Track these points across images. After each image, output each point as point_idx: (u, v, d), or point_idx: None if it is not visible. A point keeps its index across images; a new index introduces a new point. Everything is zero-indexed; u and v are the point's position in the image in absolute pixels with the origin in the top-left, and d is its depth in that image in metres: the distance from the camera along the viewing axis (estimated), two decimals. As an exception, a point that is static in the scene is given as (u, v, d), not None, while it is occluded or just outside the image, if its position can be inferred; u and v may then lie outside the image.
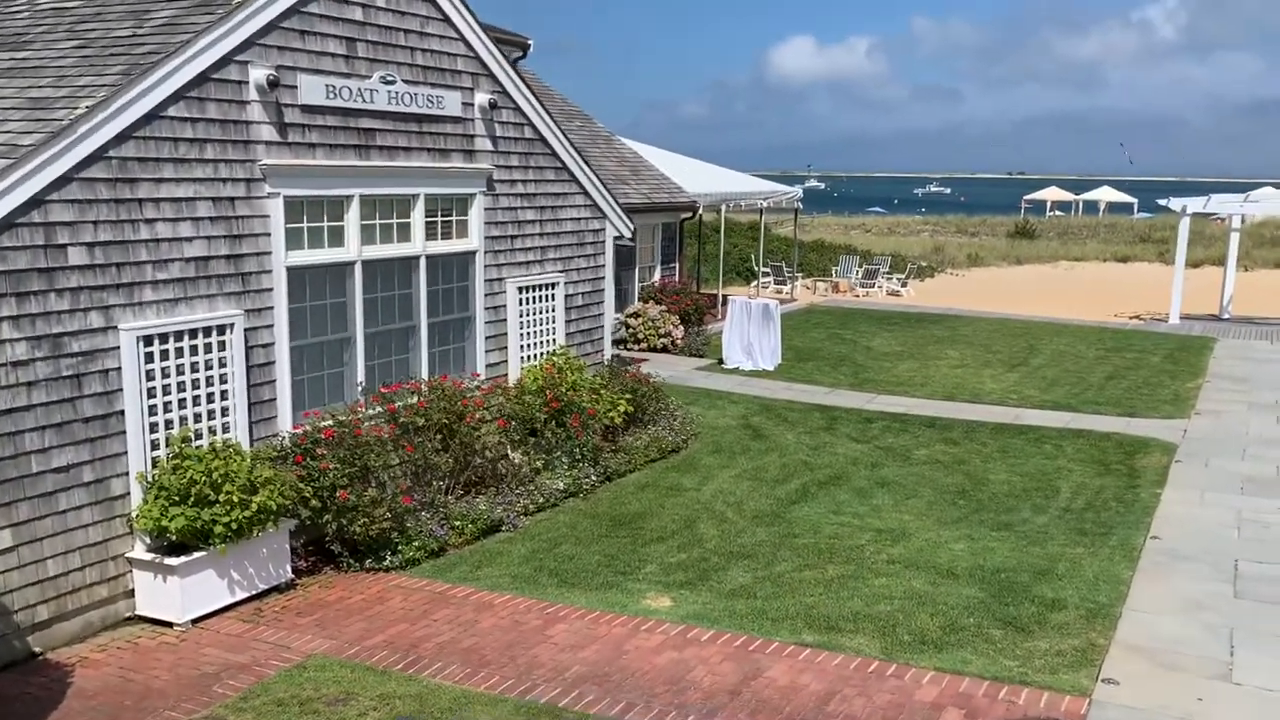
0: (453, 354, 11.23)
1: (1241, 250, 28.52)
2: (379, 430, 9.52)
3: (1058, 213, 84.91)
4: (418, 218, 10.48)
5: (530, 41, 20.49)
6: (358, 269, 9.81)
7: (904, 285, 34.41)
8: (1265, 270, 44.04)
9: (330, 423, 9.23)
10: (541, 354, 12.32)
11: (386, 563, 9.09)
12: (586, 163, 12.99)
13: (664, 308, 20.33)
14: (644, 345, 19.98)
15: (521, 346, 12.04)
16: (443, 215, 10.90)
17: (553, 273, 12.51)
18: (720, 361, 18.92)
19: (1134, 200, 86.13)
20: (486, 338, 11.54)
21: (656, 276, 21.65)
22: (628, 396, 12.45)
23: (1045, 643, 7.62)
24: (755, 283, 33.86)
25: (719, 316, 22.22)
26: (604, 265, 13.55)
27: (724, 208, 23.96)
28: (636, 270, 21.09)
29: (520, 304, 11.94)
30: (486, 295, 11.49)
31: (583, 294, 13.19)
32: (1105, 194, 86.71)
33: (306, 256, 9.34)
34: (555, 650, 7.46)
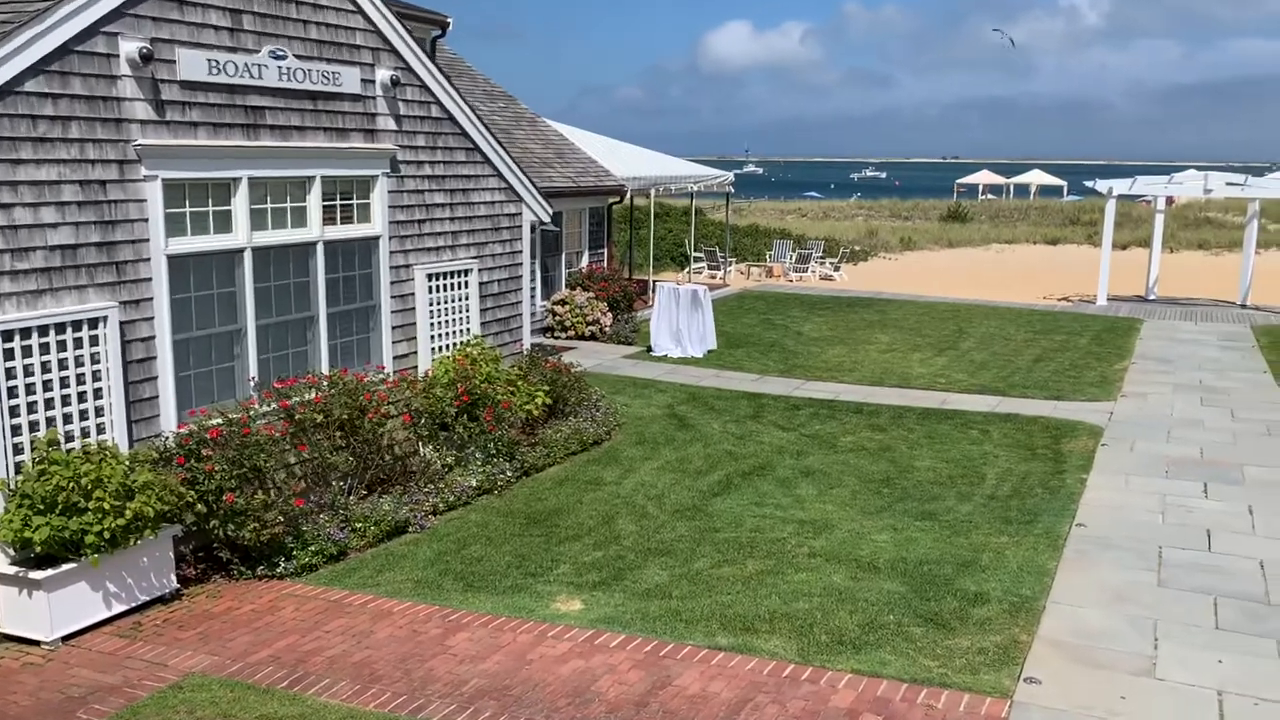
0: (356, 346, 10.66)
1: (1166, 232, 28.91)
2: (273, 429, 8.95)
3: (990, 196, 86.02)
4: (314, 201, 9.89)
5: (449, 20, 19.82)
6: (248, 256, 9.21)
7: (837, 270, 34.34)
8: (1189, 251, 44.92)
9: (218, 421, 8.65)
10: (454, 345, 11.80)
11: (280, 569, 8.55)
12: (501, 144, 12.47)
13: (592, 294, 19.87)
14: (571, 333, 19.52)
15: (432, 337, 11.51)
16: (342, 199, 10.32)
17: (465, 259, 11.99)
18: (649, 349, 18.53)
19: (1063, 183, 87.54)
20: (393, 328, 11.00)
21: (584, 262, 21.18)
22: (545, 388, 11.99)
23: (967, 640, 7.35)
24: (688, 268, 33.60)
25: (649, 303, 21.83)
26: (521, 251, 13.05)
27: (654, 192, 23.55)
28: (563, 256, 20.59)
29: (430, 292, 11.40)
30: (392, 283, 10.94)
31: (499, 281, 12.69)
32: (1036, 177, 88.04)
33: (190, 244, 8.72)
34: (454, 662, 7.00)
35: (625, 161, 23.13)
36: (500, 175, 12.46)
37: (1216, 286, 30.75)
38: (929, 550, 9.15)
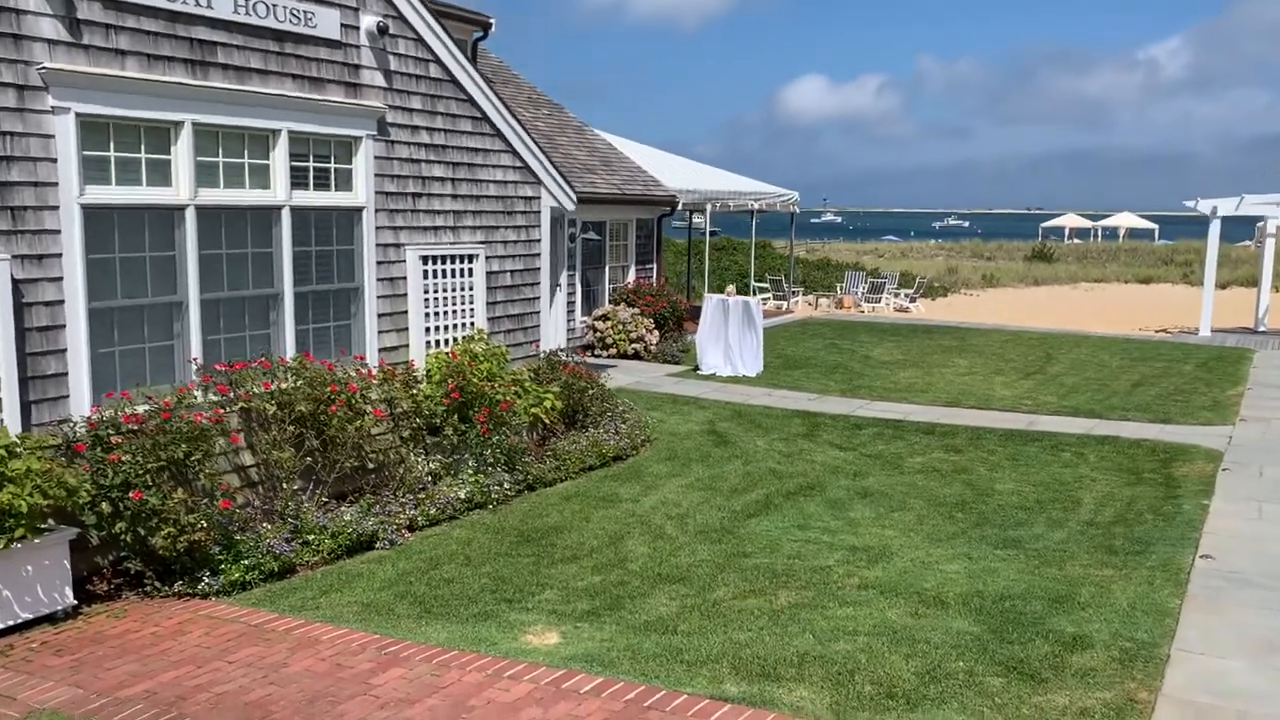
0: (334, 333, 9.19)
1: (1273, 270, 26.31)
2: (211, 418, 7.45)
3: (1076, 241, 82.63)
4: (279, 159, 8.49)
5: (492, 20, 18.63)
6: (191, 216, 7.81)
7: (913, 301, 32.26)
8: (1298, 290, 41.72)
9: (145, 408, 7.20)
10: (456, 340, 10.26)
11: (204, 586, 7.00)
12: (517, 119, 11.01)
13: (637, 310, 18.27)
14: (613, 351, 17.91)
15: (427, 329, 9.99)
16: (317, 160, 8.91)
17: (470, 243, 10.49)
18: (697, 369, 16.82)
19: (1155, 226, 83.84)
20: (379, 316, 9.50)
21: (631, 277, 19.62)
22: (555, 390, 10.36)
23: (1064, 696, 5.44)
24: (755, 298, 31.86)
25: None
26: (540, 240, 11.52)
27: (710, 207, 21.97)
28: (607, 270, 19.07)
29: (426, 278, 9.91)
30: (379, 264, 9.47)
31: (512, 273, 11.15)
32: (1125, 219, 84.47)
33: (115, 194, 7.35)
34: (372, 707, 5.33)
35: (679, 173, 21.63)
36: (514, 152, 10.98)
37: (1335, 321, 27.97)
38: (1012, 583, 7.24)
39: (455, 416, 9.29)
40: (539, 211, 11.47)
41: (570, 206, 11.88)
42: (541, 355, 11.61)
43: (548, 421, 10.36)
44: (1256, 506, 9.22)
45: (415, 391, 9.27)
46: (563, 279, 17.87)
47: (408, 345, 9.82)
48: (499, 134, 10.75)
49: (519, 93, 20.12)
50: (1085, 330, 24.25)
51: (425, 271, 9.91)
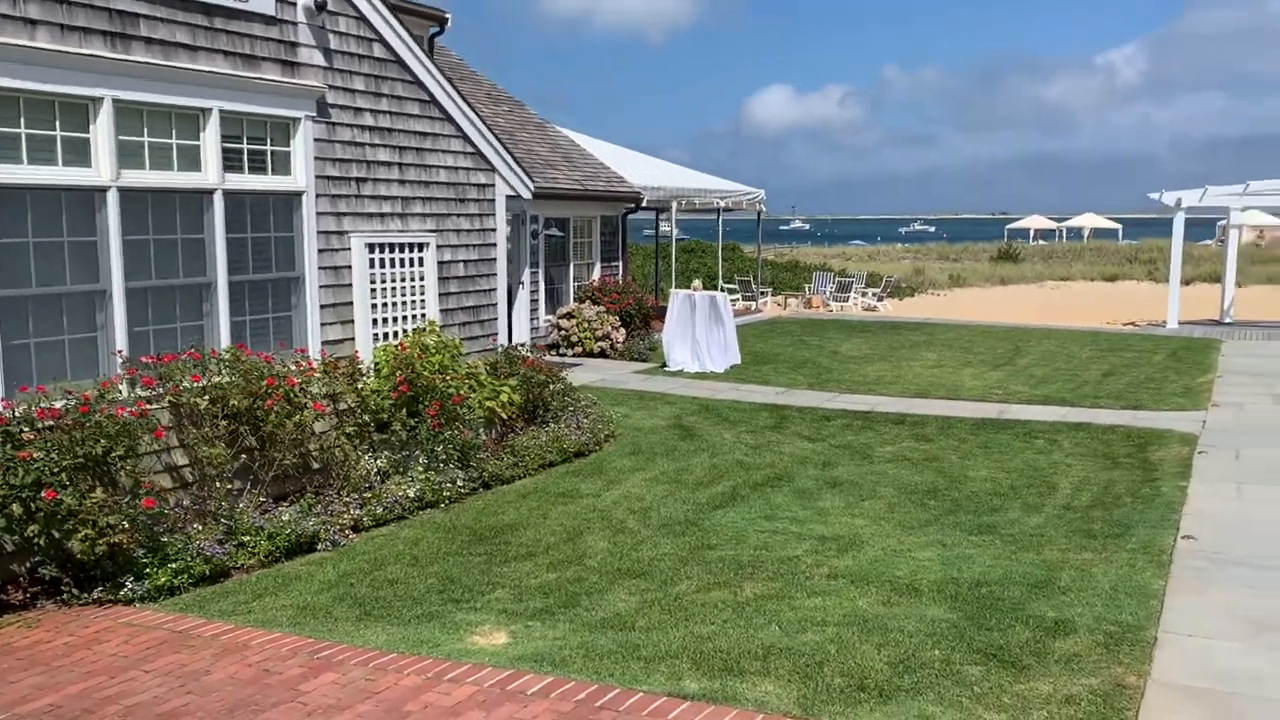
0: (273, 325, 8.71)
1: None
2: (139, 412, 6.96)
3: (1041, 242, 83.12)
4: (210, 140, 8.02)
5: (448, 15, 18.21)
6: (113, 199, 7.32)
7: (880, 300, 32.11)
8: (1258, 285, 42.06)
9: (62, 403, 6.71)
10: (407, 333, 9.81)
11: (127, 592, 6.50)
12: (468, 103, 10.59)
13: (602, 308, 17.87)
14: (579, 350, 17.49)
15: (375, 321, 9.53)
16: (253, 142, 8.45)
17: (420, 231, 10.04)
18: (664, 365, 16.44)
19: (1118, 226, 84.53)
20: (322, 307, 9.04)
21: (596, 275, 19.21)
22: (511, 384, 9.93)
23: (1047, 684, 5.08)
24: (721, 299, 31.56)
25: (668, 321, 19.75)
26: (495, 230, 11.09)
27: (675, 204, 21.62)
28: (571, 267, 18.65)
29: (372, 267, 9.46)
30: (322, 251, 9.01)
31: (465, 263, 10.71)
32: (1089, 220, 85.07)
33: (25, 173, 6.85)
34: (298, 715, 4.88)
35: (643, 171, 21.27)
36: (466, 137, 10.56)
37: (1299, 312, 28.07)
38: (988, 569, 6.88)
39: (404, 411, 8.84)
40: (493, 200, 11.04)
41: (527, 195, 11.47)
42: (499, 349, 11.17)
43: (505, 416, 9.92)
44: (1235, 487, 8.95)
45: (360, 385, 8.81)
46: (525, 276, 17.48)
47: (353, 338, 9.36)
48: (449, 118, 10.32)
49: (478, 89, 19.70)
50: (1053, 324, 24.13)
51: (372, 260, 9.46)
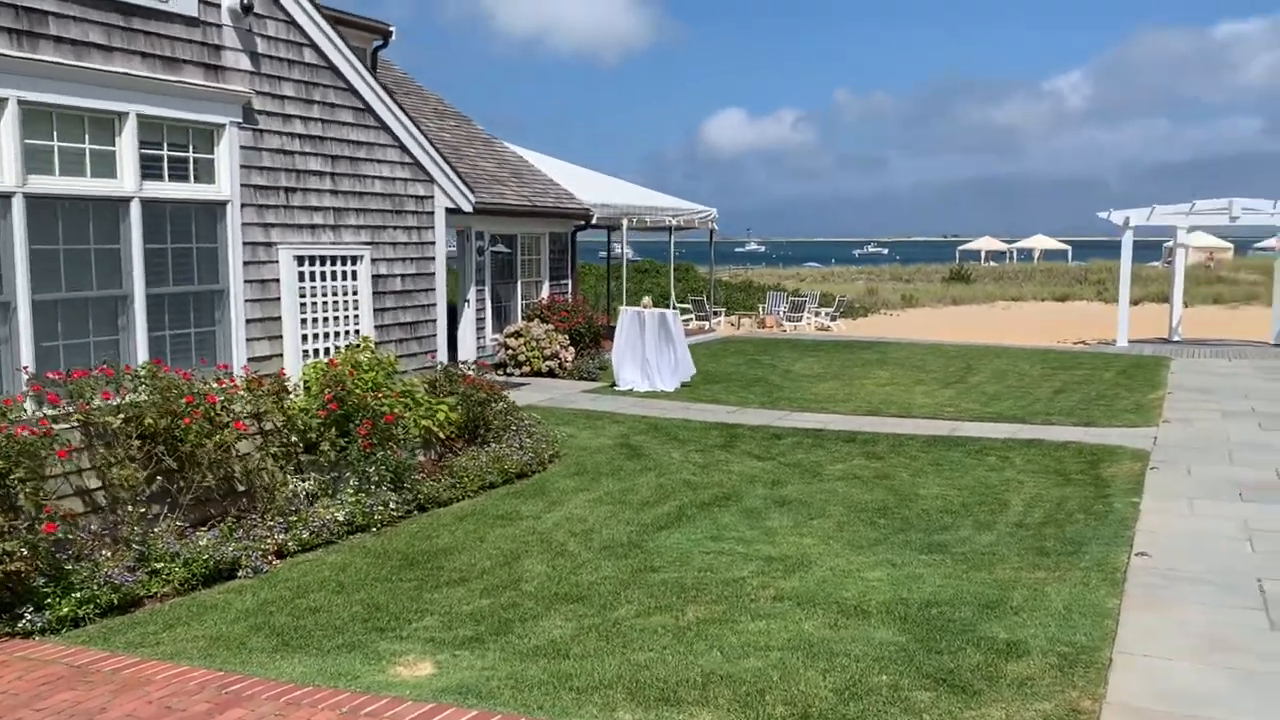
0: (195, 340, 8.30)
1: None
2: (42, 432, 6.53)
3: (992, 263, 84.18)
4: (127, 145, 7.63)
5: (391, 29, 17.90)
6: (18, 206, 6.90)
7: (834, 320, 32.12)
8: (1204, 305, 42.77)
9: (-42, 420, 6.26)
10: (340, 349, 9.43)
11: (25, 624, 6.05)
12: (406, 113, 10.27)
13: (551, 326, 17.54)
14: (527, 369, 17.14)
15: (305, 337, 9.14)
16: (174, 149, 8.06)
17: (354, 244, 9.69)
18: (613, 385, 16.14)
19: (1068, 248, 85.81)
20: (248, 322, 8.64)
21: (545, 293, 18.89)
22: (449, 402, 9.58)
23: (1000, 710, 4.83)
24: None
25: (619, 340, 19.46)
26: (434, 243, 10.75)
27: (626, 223, 21.38)
28: (519, 285, 18.32)
29: (302, 280, 9.08)
30: (248, 264, 8.62)
31: (402, 276, 10.36)
32: (1039, 241, 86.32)
33: (-80, 178, 6.43)
34: (196, 755, 4.49)
35: (593, 188, 21.02)
36: (403, 147, 10.23)
37: (1243, 332, 28.46)
38: (939, 589, 6.64)
39: (333, 431, 8.45)
40: (432, 212, 10.71)
41: (468, 208, 11.15)
42: (439, 366, 10.81)
43: (442, 435, 9.56)
44: (1188, 503, 8.81)
45: (287, 404, 8.41)
46: (471, 294, 17.13)
47: (282, 354, 8.96)
48: (384, 127, 9.99)
49: (424, 103, 19.37)
50: (1005, 343, 24.20)
51: (302, 273, 9.08)
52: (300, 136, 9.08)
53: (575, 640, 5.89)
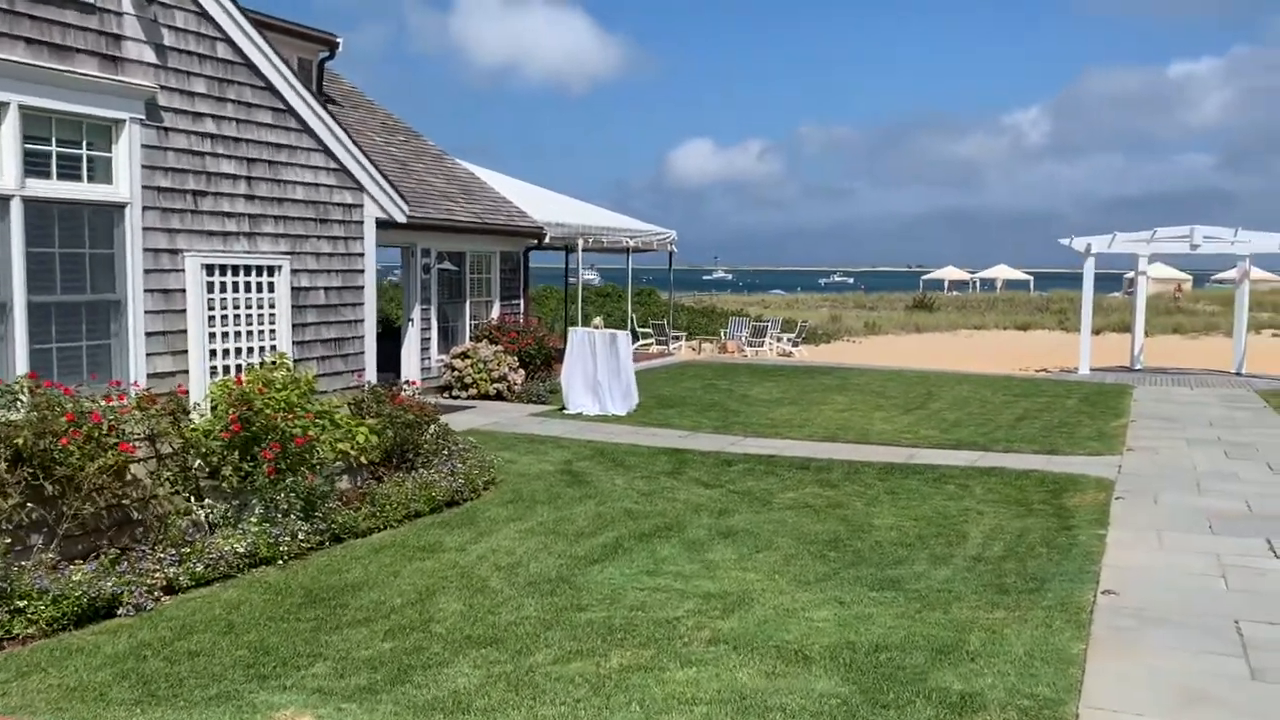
0: (87, 354, 7.59)
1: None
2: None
3: (955, 292, 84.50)
4: (7, 138, 6.95)
5: (339, 40, 17.33)
6: (-126, 200, 6.21)
7: (796, 345, 31.72)
8: (1164, 335, 42.89)
9: None
10: (254, 366, 8.74)
11: None
12: (333, 116, 9.65)
13: (500, 348, 16.89)
14: (473, 391, 16.46)
15: (214, 352, 8.46)
16: (65, 145, 7.39)
17: (271, 253, 9.02)
18: (563, 408, 15.50)
19: (1030, 278, 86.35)
20: (149, 334, 7.95)
21: (495, 313, 18.25)
22: (370, 424, 8.91)
23: (952, 776, 4.23)
24: (637, 343, 30.90)
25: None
26: (363, 255, 10.11)
27: (582, 243, 20.83)
28: (468, 305, 17.67)
29: (212, 291, 8.40)
30: (149, 272, 7.93)
31: (326, 289, 9.70)
32: (1002, 271, 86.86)
33: None
34: (4, 837, 3.79)
35: (548, 207, 20.48)
36: (328, 152, 9.61)
37: (1204, 361, 28.36)
38: (889, 631, 6.06)
39: (236, 454, 7.75)
40: (361, 222, 10.07)
41: (401, 218, 10.52)
42: (366, 386, 10.14)
43: (364, 460, 8.88)
44: (1156, 535, 8.31)
45: (186, 424, 7.71)
46: (416, 313, 16.46)
47: (188, 371, 8.26)
48: (308, 130, 9.37)
49: (372, 117, 18.77)
50: (967, 370, 23.84)
51: (211, 284, 8.40)
52: (212, 137, 8.44)
53: (480, 691, 5.24)
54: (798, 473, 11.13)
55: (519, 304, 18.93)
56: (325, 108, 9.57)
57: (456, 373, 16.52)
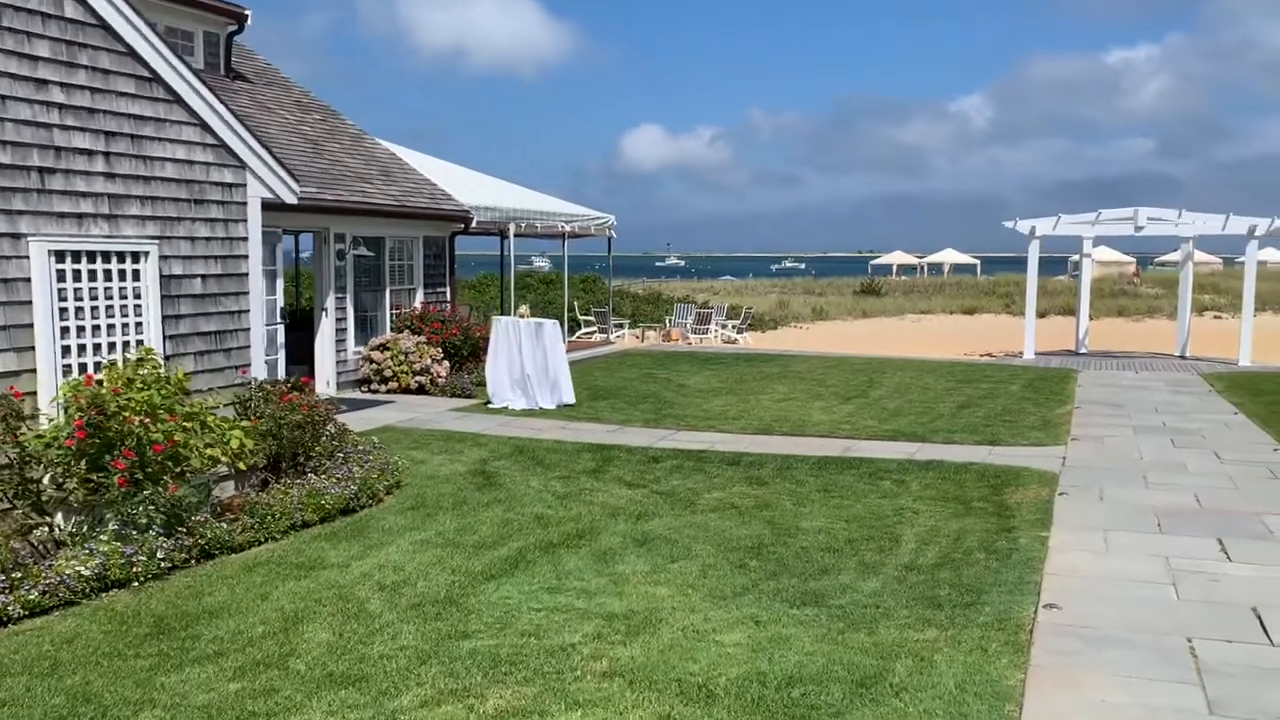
0: (-93, 352, 6.67)
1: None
2: None
3: (903, 276, 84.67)
4: None
5: (247, 12, 16.27)
6: None
7: (740, 332, 31.14)
8: (1109, 318, 43.03)
9: None
10: (120, 362, 7.84)
11: None
12: (209, 86, 8.74)
13: (422, 338, 16.02)
14: (394, 385, 15.59)
15: (69, 349, 7.55)
16: None
17: (135, 237, 8.12)
18: (488, 402, 14.69)
19: (976, 262, 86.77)
20: (-15, 329, 7.04)
21: (418, 302, 17.36)
22: (245, 426, 8.06)
23: None
24: (578, 332, 30.12)
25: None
26: (246, 240, 9.22)
27: (514, 227, 19.96)
28: (388, 293, 16.75)
29: (63, 279, 7.49)
30: (-17, 259, 7.02)
31: (204, 277, 8.81)
32: (949, 256, 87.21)
33: None
34: None
35: (477, 190, 19.58)
36: (204, 125, 8.70)
37: (1147, 344, 28.24)
38: (806, 658, 5.38)
39: (84, 464, 6.88)
40: (244, 203, 9.19)
41: (290, 199, 9.64)
42: (253, 383, 9.27)
43: (240, 466, 8.03)
44: (1102, 537, 7.74)
45: (23, 431, 6.82)
46: (330, 302, 15.53)
47: (35, 369, 7.36)
48: (179, 101, 8.46)
49: (286, 95, 17.74)
50: (910, 355, 23.39)
51: (63, 272, 7.49)
52: (61, 107, 7.51)
53: (328, 746, 4.47)
54: (728, 469, 10.45)
55: (445, 292, 18.05)
56: (200, 77, 8.66)
57: (375, 365, 15.63)
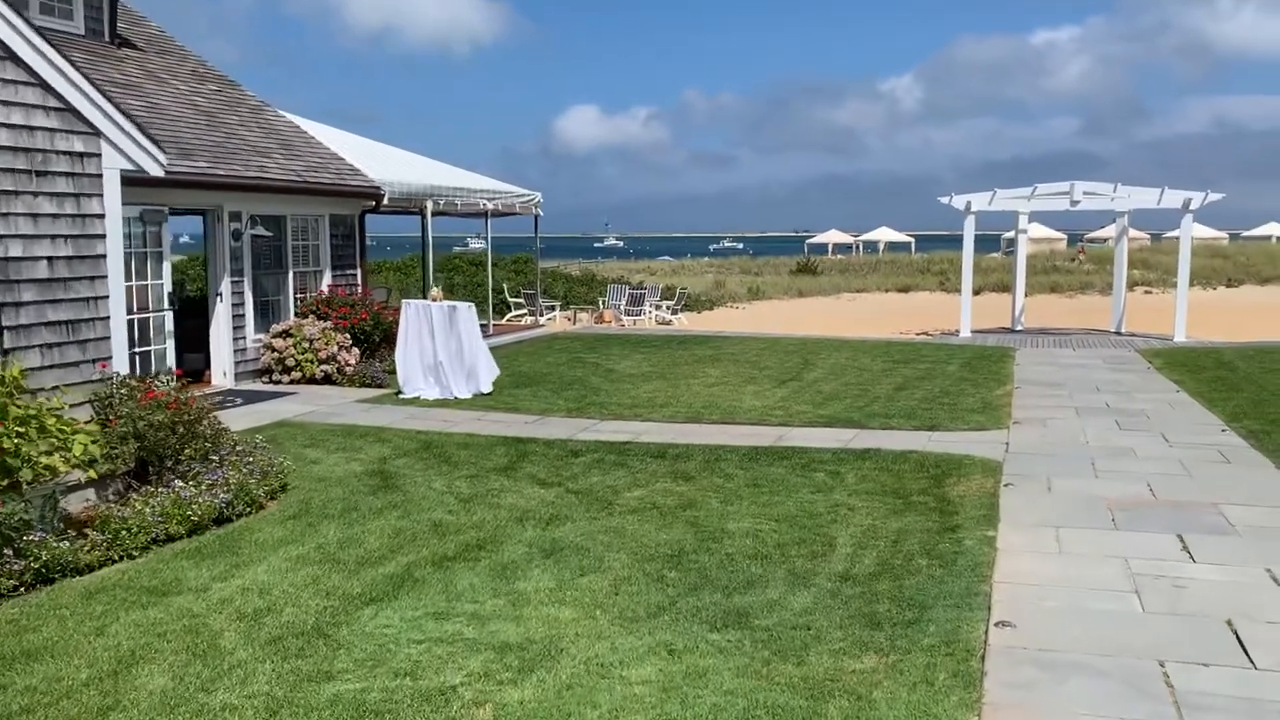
0: None
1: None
2: None
3: (839, 255, 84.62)
4: None
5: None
6: None
7: (675, 313, 30.42)
8: (1043, 294, 43.10)
9: None
10: (-65, 359, 6.77)
11: None
12: (50, 43, 7.64)
13: (329, 324, 14.96)
14: (298, 375, 14.52)
15: (-127, 343, 6.47)
16: None
17: (-41, 215, 7.03)
18: (399, 392, 13.72)
19: (911, 240, 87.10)
20: None
21: (325, 285, 16.26)
22: (93, 430, 7.04)
23: None
24: (508, 315, 29.16)
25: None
26: (103, 217, 8.16)
27: (430, 205, 18.90)
28: (292, 276, 15.63)
29: None
30: None
31: (50, 259, 7.74)
32: (884, 234, 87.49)
33: None
34: None
35: (391, 166, 18.47)
36: (46, 86, 7.61)
37: (1083, 320, 28.09)
38: (725, 699, 4.59)
39: (-120, 479, 5.84)
40: (99, 175, 8.11)
41: (156, 170, 8.58)
42: (115, 378, 8.23)
43: (93, 474, 7.02)
44: (1054, 535, 7.07)
45: None
46: (225, 286, 14.39)
47: None
48: (13, 58, 7.36)
49: (181, 65, 16.46)
50: (846, 335, 22.84)
51: None
52: None
53: (126, 842, 3.57)
54: (652, 463, 9.65)
55: (355, 274, 16.96)
56: (41, 35, 7.55)
57: (277, 354, 14.54)
